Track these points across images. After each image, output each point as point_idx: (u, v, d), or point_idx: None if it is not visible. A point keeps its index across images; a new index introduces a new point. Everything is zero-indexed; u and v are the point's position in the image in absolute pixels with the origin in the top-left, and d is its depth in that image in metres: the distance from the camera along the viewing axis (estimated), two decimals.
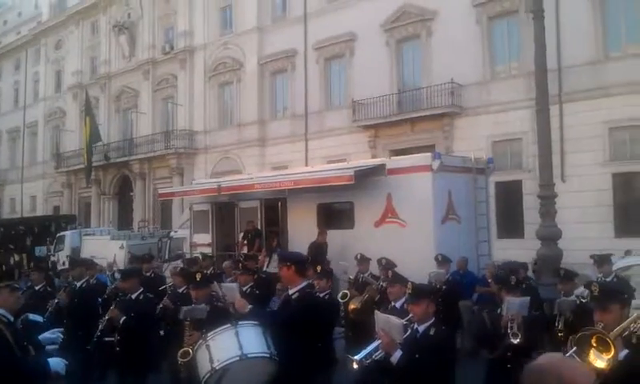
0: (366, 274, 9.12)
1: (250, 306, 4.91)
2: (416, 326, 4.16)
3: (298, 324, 4.69)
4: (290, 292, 4.96)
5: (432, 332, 4.17)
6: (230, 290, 5.59)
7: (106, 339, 7.46)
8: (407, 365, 3.93)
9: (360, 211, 12.77)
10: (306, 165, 25.60)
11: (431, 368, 4.01)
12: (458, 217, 12.08)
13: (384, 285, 8.19)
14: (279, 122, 29.71)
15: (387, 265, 8.17)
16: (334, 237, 12.78)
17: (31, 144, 44.49)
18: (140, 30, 36.16)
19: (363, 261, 9.36)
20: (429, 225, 11.58)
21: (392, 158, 13.29)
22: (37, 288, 8.53)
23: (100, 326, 6.97)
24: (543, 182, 10.39)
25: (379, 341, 4.03)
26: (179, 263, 12.94)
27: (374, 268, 9.38)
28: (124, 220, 34.45)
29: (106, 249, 18.54)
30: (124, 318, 6.67)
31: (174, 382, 8.27)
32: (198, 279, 6.00)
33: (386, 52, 25.37)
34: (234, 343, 4.49)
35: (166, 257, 17.29)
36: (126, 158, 34.50)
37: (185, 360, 5.63)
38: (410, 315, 4.19)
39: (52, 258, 20.71)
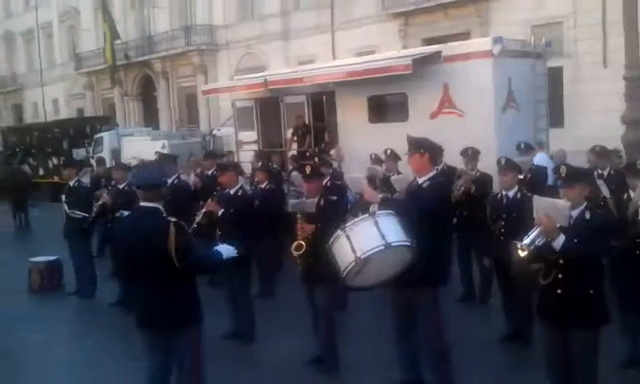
0: (391, 174, 8.25)
1: (380, 195, 4.94)
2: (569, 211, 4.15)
3: (436, 211, 4.77)
4: (420, 180, 4.97)
5: (588, 216, 4.16)
6: (356, 181, 5.57)
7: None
8: (568, 251, 3.96)
9: (414, 103, 12.55)
10: (334, 58, 25.06)
11: (592, 252, 4.06)
12: (517, 104, 11.90)
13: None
14: (303, 13, 28.79)
15: (474, 155, 8.07)
16: (387, 130, 12.63)
17: (47, 46, 43.38)
18: None
19: (392, 157, 8.87)
20: (489, 114, 11.38)
21: (448, 44, 12.83)
22: (120, 187, 8.65)
23: (197, 219, 7.09)
24: (629, 63, 10.06)
25: (539, 227, 4.00)
26: None
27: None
28: (150, 120, 34.23)
29: (146, 149, 18.53)
30: (222, 211, 6.76)
31: (262, 276, 8.68)
32: (307, 172, 5.99)
33: None
34: (375, 233, 4.52)
35: None
36: (146, 57, 33.87)
37: (299, 253, 5.81)
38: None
39: (91, 160, 20.80)
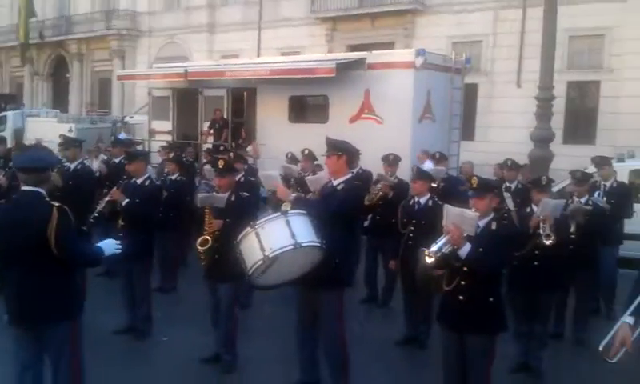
0: (307, 174, 7.85)
1: (293, 195, 4.81)
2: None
3: (348, 214, 4.71)
4: (335, 182, 4.88)
5: (494, 226, 4.21)
6: (270, 178, 5.39)
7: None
8: (472, 259, 4.02)
9: (335, 106, 12.56)
10: (258, 55, 24.84)
11: (495, 262, 4.13)
12: (433, 116, 12.14)
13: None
14: (230, 8, 28.51)
15: (394, 161, 8.02)
16: (306, 130, 12.51)
17: None
18: None
19: (309, 157, 8.60)
20: (406, 123, 11.55)
21: (373, 52, 12.91)
22: None
23: (98, 207, 6.69)
24: (543, 85, 10.44)
25: (448, 235, 4.03)
26: None
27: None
28: (59, 103, 32.58)
29: (52, 132, 17.55)
30: (127, 201, 6.40)
31: (165, 269, 8.32)
32: (220, 167, 5.75)
33: None
34: (286, 232, 4.39)
35: None
36: (62, 37, 32.31)
37: (204, 248, 5.57)
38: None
39: None
